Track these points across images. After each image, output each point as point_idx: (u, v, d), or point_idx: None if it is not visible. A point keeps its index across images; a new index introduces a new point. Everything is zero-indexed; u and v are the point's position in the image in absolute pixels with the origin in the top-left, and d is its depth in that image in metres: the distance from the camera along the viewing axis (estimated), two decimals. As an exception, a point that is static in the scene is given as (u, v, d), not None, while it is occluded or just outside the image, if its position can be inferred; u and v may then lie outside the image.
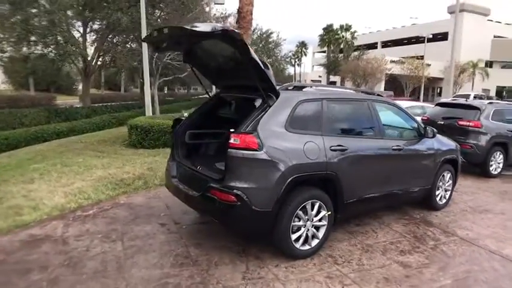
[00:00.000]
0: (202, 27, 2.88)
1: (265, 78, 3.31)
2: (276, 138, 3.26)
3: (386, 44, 55.85)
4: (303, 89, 3.91)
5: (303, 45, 55.41)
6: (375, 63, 38.06)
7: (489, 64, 46.40)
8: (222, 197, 3.17)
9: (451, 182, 5.31)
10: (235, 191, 3.12)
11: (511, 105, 8.34)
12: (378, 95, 4.60)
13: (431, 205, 5.12)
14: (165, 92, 42.82)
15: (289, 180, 3.24)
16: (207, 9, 21.62)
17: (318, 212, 3.58)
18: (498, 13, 47.89)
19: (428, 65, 41.14)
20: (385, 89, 37.84)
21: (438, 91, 48.41)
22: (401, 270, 3.46)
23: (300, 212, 3.44)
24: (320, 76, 55.84)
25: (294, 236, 3.43)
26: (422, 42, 42.93)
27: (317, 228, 3.63)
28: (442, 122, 7.69)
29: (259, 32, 39.44)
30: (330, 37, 44.41)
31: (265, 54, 37.07)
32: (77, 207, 4.68)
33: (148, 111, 12.39)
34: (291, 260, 3.50)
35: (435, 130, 4.80)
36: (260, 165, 3.17)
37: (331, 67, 44.61)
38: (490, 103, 7.78)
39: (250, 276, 3.20)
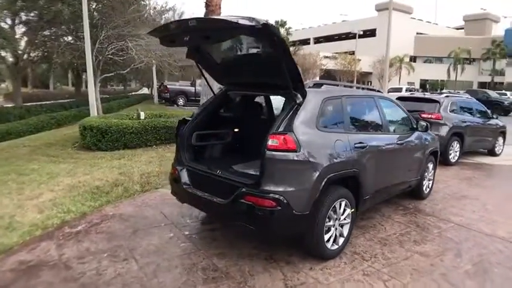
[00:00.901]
0: (243, 20, 2.62)
1: (296, 76, 3.15)
2: (310, 138, 3.13)
3: (318, 40, 58.20)
4: (322, 87, 3.82)
5: (238, 41, 55.39)
6: (311, 59, 39.49)
7: (413, 59, 50.68)
8: (260, 202, 2.95)
9: (433, 172, 5.62)
10: (273, 195, 2.93)
11: (462, 97, 9.13)
12: (378, 91, 4.68)
13: (419, 195, 5.37)
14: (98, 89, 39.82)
15: (325, 180, 3.14)
16: (146, 1, 20.55)
17: (344, 211, 3.53)
18: (419, 12, 52.57)
19: (359, 60, 43.74)
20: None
21: (368, 85, 51.81)
22: (425, 260, 3.55)
23: (331, 212, 3.36)
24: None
25: (326, 237, 3.35)
26: (352, 38, 45.47)
27: (342, 226, 3.58)
28: (406, 115, 8.12)
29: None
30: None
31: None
32: (60, 223, 4.09)
33: (93, 110, 11.41)
34: (321, 261, 3.40)
35: (428, 124, 5.02)
36: (299, 166, 3.02)
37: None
38: (447, 96, 8.41)
39: (292, 283, 3.04)
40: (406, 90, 27.92)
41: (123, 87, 44.06)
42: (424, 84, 50.15)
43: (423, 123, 4.96)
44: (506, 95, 28.70)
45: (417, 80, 50.44)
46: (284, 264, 3.35)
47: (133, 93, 36.27)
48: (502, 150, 9.63)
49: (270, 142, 2.94)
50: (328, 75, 42.77)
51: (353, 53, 43.77)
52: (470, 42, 48.92)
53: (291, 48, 45.14)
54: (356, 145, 3.54)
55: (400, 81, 45.55)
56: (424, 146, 5.08)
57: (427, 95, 9.53)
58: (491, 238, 4.16)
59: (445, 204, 5.29)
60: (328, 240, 3.39)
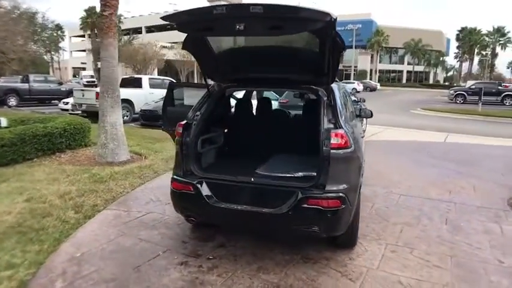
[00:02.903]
0: (316, 13, 2.40)
1: (335, 71, 3.10)
2: (350, 131, 3.15)
3: (150, 30, 55.96)
4: None
5: (58, 28, 48.14)
6: (150, 49, 37.78)
7: (182, 47, 54.34)
8: (326, 204, 2.83)
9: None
10: (338, 194, 2.87)
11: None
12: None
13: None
14: None
15: (362, 173, 3.25)
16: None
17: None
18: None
19: (196, 50, 44.35)
20: (159, 74, 38.30)
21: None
22: (432, 227, 4.13)
23: None
24: (84, 63, 50.41)
25: (356, 226, 3.49)
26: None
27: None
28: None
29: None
30: (94, 20, 40.60)
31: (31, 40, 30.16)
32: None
33: None
34: (349, 250, 3.53)
35: (371, 111, 5.65)
36: (352, 162, 3.04)
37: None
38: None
39: (353, 276, 3.07)
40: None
41: None
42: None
43: (366, 110, 5.54)
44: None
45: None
46: (325, 261, 3.32)
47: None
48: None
49: (333, 140, 2.84)
50: (170, 66, 41.89)
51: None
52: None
53: (125, 38, 42.13)
54: (361, 135, 3.77)
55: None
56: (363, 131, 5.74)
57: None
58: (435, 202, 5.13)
59: (379, 177, 6.13)
60: (355, 230, 3.54)
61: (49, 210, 4.35)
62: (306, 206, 2.85)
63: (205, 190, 3.12)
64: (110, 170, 6.05)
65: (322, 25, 2.48)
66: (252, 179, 3.15)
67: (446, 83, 65.70)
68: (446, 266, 3.29)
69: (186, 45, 3.14)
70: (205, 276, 3.03)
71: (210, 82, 3.65)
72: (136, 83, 14.37)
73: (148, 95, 13.94)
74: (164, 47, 41.95)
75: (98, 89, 13.21)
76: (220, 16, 2.53)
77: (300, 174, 3.28)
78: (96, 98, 12.51)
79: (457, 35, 64.74)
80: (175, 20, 2.77)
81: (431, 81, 67.37)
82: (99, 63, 42.65)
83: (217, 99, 3.65)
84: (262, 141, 4.07)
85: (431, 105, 24.17)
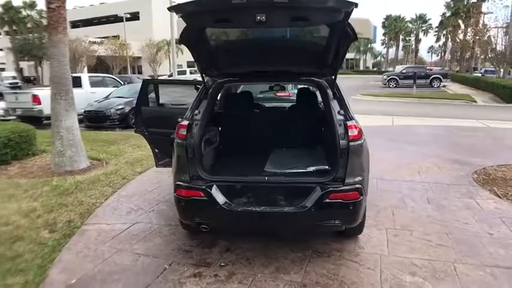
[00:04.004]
0: (342, 3, 2.32)
1: (341, 62, 3.05)
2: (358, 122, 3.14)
3: (75, 24, 51.95)
4: None
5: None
6: (79, 45, 35.13)
7: (178, 42, 52.75)
8: (347, 197, 2.80)
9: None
10: (356, 185, 2.86)
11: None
12: None
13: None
14: None
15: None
16: None
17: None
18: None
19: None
20: (89, 71, 35.88)
21: (138, 70, 50.83)
22: (419, 208, 4.31)
23: None
24: (3, 63, 45.35)
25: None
26: (114, 22, 43.27)
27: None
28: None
29: None
30: (12, 15, 36.63)
31: None
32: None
33: None
34: (355, 238, 3.57)
35: None
36: (365, 152, 3.03)
37: (24, 51, 37.22)
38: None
39: (370, 264, 3.10)
40: (191, 73, 29.24)
41: None
42: (192, 65, 53.53)
43: None
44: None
45: (185, 62, 53.34)
46: (337, 252, 3.32)
47: None
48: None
49: (350, 132, 2.81)
50: (101, 62, 39.38)
51: (117, 37, 41.74)
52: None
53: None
54: None
55: (170, 64, 46.98)
56: None
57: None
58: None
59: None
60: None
61: (17, 232, 3.83)
62: (328, 200, 2.80)
63: (218, 194, 2.91)
64: (72, 180, 5.49)
65: (344, 15, 2.41)
66: (267, 178, 3.02)
67: (375, 69, 70.09)
68: (448, 244, 3.46)
69: (183, 38, 2.86)
70: (227, 286, 2.86)
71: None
72: (74, 83, 13.16)
73: (89, 95, 12.93)
74: (94, 42, 39.30)
75: (34, 92, 12.06)
76: (239, 6, 2.32)
77: (312, 168, 3.21)
78: (33, 101, 11.37)
79: (383, 22, 69.19)
80: (184, 10, 2.50)
81: (361, 68, 71.34)
82: (21, 63, 38.68)
83: (215, 96, 3.43)
84: (257, 136, 3.93)
85: (369, 90, 25.53)
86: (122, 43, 40.30)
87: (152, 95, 4.79)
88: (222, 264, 3.18)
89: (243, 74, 3.48)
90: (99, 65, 39.98)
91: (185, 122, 3.05)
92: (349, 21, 2.59)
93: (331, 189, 2.82)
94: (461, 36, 47.48)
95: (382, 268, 3.06)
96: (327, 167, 3.16)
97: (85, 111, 11.67)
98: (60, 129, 5.97)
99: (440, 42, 64.27)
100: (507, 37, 26.59)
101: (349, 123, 2.88)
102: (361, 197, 2.89)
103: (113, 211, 4.48)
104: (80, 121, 12.06)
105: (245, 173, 3.09)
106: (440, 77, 28.98)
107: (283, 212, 2.86)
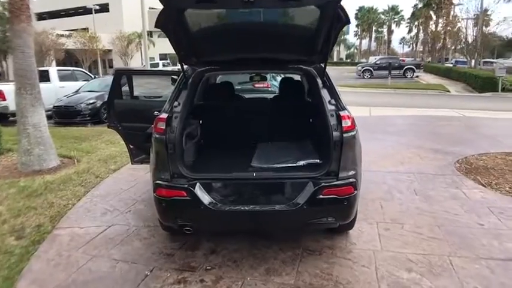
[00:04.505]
0: None
1: (331, 49, 2.86)
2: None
3: (41, 16, 49.59)
4: None
5: None
6: (46, 38, 33.56)
7: (150, 34, 51.36)
8: (341, 192, 2.64)
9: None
10: (350, 179, 2.70)
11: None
12: None
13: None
14: None
15: None
16: None
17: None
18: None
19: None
20: (57, 65, 34.46)
21: (109, 63, 49.28)
22: (407, 200, 4.21)
23: None
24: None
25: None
26: (82, 14, 41.71)
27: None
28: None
29: None
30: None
31: None
32: None
33: None
34: (346, 233, 3.44)
35: None
36: (358, 144, 2.86)
37: (-13, 43, 35.15)
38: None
39: (365, 261, 2.97)
40: (164, 66, 28.49)
41: None
42: (164, 58, 52.32)
43: None
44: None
45: (157, 54, 51.99)
46: (329, 250, 3.19)
47: None
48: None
49: (344, 123, 2.63)
50: (70, 56, 37.86)
51: (86, 30, 40.22)
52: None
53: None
54: None
55: (142, 56, 45.72)
56: None
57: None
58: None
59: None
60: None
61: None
62: (322, 196, 2.63)
63: (202, 193, 2.68)
64: (41, 180, 5.11)
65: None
66: (254, 174, 2.81)
67: (348, 60, 70.81)
68: (440, 236, 3.38)
69: (160, 22, 2.58)
70: (215, 292, 2.65)
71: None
72: (42, 77, 12.47)
73: (58, 90, 12.31)
74: (62, 35, 37.65)
75: (-4, 87, 11.31)
76: None
77: (302, 162, 3.02)
78: (-3, 97, 10.69)
79: (356, 14, 69.86)
80: None
81: (335, 59, 71.94)
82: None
83: (196, 86, 3.16)
84: (240, 129, 3.71)
85: (344, 81, 25.62)
86: (91, 36, 38.86)
87: (125, 87, 4.48)
88: (207, 267, 2.96)
89: (225, 62, 3.21)
90: (68, 59, 38.43)
91: (164, 115, 2.79)
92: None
93: (324, 184, 2.65)
94: (433, 27, 48.58)
95: (377, 265, 2.93)
96: (318, 160, 2.99)
97: (54, 107, 11.09)
98: (27, 126, 5.55)
99: (412, 34, 65.59)
100: (477, 28, 27.32)
101: (342, 113, 2.71)
102: (356, 192, 2.73)
103: (86, 213, 4.16)
104: (49, 117, 11.56)
105: (230, 169, 2.87)
106: (414, 67, 29.49)
107: (274, 210, 2.66)
